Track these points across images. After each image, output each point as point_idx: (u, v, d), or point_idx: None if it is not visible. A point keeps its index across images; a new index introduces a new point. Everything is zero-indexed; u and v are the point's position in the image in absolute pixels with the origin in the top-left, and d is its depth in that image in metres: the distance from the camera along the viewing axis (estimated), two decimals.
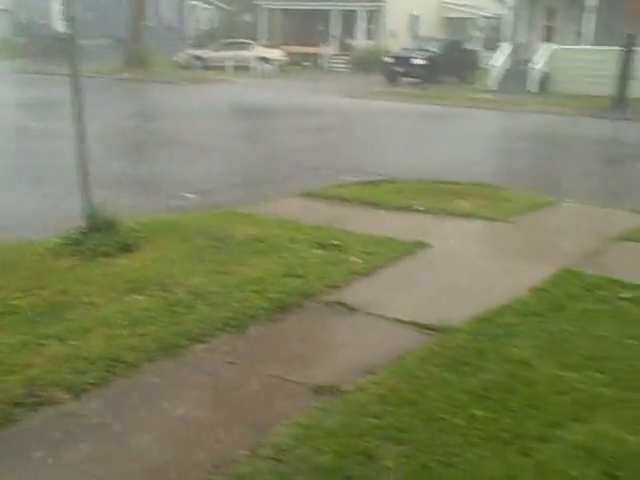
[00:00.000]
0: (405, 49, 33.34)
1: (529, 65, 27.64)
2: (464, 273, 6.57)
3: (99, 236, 6.65)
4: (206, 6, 52.47)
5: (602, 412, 4.05)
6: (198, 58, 37.67)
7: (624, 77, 22.27)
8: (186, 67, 36.90)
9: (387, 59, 32.37)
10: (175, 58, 38.21)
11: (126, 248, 6.61)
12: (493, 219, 8.45)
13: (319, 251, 6.77)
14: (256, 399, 4.22)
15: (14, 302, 5.36)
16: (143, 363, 4.54)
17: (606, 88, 23.22)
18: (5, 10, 52.18)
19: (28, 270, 6.05)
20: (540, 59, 27.36)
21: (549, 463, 3.59)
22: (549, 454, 3.67)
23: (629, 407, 4.11)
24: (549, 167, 13.68)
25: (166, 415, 4.03)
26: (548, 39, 29.74)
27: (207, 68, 36.41)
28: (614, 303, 5.74)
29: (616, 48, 23.79)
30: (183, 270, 6.11)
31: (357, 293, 5.89)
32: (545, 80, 27.43)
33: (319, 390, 4.28)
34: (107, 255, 6.42)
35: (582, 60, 27.14)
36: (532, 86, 26.85)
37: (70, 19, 7.27)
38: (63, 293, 5.58)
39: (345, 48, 41.53)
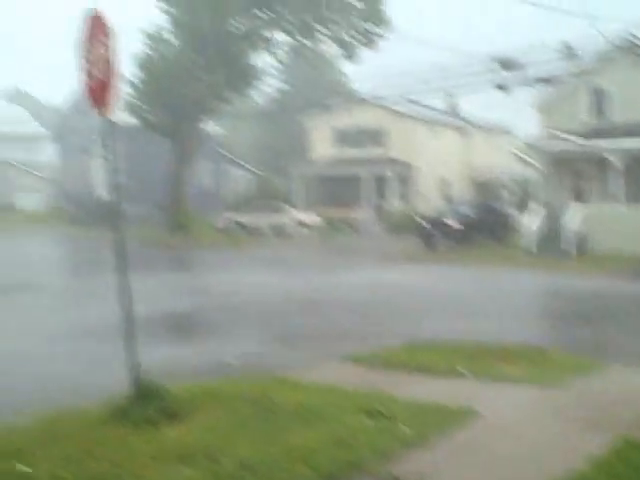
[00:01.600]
0: (440, 212, 33.68)
1: (564, 226, 27.26)
2: (519, 444, 6.35)
3: (145, 403, 6.65)
4: (241, 172, 54.77)
5: None
6: (238, 223, 37.88)
7: None
8: (225, 231, 37.19)
9: (423, 223, 32.22)
10: (215, 223, 38.79)
11: (172, 416, 6.57)
12: (541, 384, 8.24)
13: (367, 419, 6.64)
14: None
15: (61, 473, 5.33)
16: None
17: None
18: (54, 180, 55.09)
19: (76, 440, 6.02)
20: (574, 219, 27.09)
21: None
22: None
23: None
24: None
25: None
26: (578, 199, 29.68)
27: (247, 233, 36.61)
28: None
29: None
30: (230, 440, 6.02)
31: (408, 464, 5.72)
32: (583, 241, 26.85)
33: None
34: (154, 423, 6.38)
35: (619, 219, 26.50)
36: (569, 247, 26.36)
37: (115, 187, 7.61)
38: (109, 464, 5.54)
39: (378, 211, 42.17)
